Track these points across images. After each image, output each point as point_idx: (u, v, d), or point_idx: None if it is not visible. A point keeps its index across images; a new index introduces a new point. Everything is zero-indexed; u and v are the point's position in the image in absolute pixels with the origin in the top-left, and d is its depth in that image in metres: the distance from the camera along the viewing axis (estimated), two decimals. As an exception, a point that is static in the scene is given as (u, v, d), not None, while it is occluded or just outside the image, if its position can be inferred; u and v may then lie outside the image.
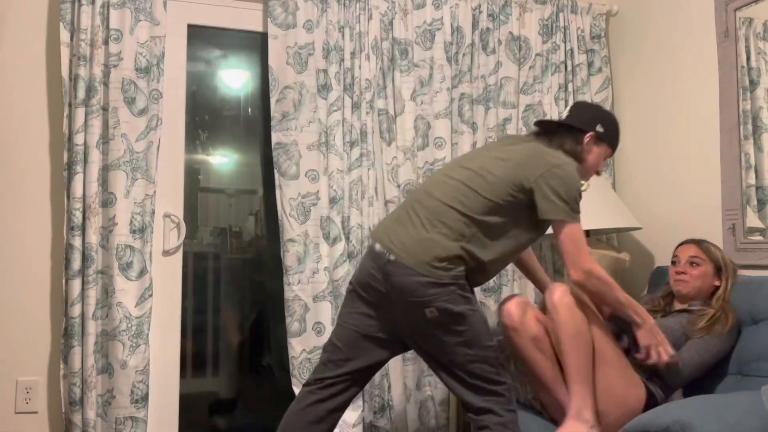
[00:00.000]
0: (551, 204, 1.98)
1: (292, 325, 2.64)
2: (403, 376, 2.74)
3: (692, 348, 2.18)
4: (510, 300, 2.18)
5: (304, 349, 2.62)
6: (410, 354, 2.78)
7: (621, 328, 2.23)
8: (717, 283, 2.31)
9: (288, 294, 2.64)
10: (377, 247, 2.00)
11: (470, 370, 1.96)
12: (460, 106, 2.92)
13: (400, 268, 1.92)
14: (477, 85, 2.95)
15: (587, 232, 2.85)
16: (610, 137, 2.18)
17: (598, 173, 2.23)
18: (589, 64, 3.12)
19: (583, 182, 2.05)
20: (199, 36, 2.81)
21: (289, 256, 2.63)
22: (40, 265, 2.49)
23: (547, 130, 2.18)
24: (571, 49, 3.08)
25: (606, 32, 3.17)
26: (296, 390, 2.63)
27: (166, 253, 2.62)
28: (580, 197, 2.02)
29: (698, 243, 2.36)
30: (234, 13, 2.77)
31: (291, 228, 2.63)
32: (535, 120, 2.65)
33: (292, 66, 2.67)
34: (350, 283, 2.11)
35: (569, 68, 3.07)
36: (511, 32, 3.00)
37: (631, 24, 3.11)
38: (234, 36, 2.89)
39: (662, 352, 2.06)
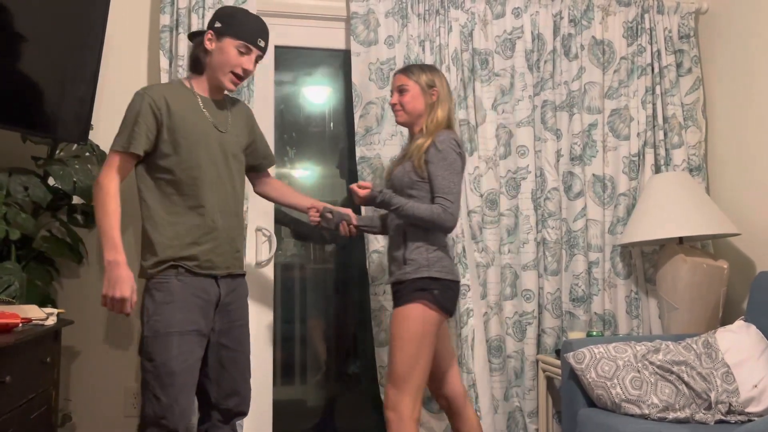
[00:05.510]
0: None
1: (380, 334, 2.69)
2: (490, 387, 2.73)
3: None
4: None
5: (391, 359, 2.66)
6: (497, 364, 2.76)
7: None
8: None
9: (374, 304, 2.69)
10: None
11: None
12: (543, 113, 2.89)
13: None
14: (560, 92, 2.92)
15: (680, 240, 2.75)
16: (230, 28, 2.12)
17: (239, 73, 2.13)
18: (678, 65, 3.02)
19: (142, 101, 2.04)
20: (284, 56, 2.92)
21: (375, 266, 2.68)
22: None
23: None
24: (658, 51, 2.98)
25: (696, 31, 3.05)
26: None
27: (259, 264, 2.73)
28: (135, 118, 2.03)
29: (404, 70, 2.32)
30: (318, 33, 2.86)
31: (376, 239, 2.68)
32: None
33: (375, 82, 2.73)
34: None
35: (656, 70, 2.98)
36: (593, 36, 2.95)
37: (723, 22, 2.98)
38: (317, 54, 2.99)
39: None
